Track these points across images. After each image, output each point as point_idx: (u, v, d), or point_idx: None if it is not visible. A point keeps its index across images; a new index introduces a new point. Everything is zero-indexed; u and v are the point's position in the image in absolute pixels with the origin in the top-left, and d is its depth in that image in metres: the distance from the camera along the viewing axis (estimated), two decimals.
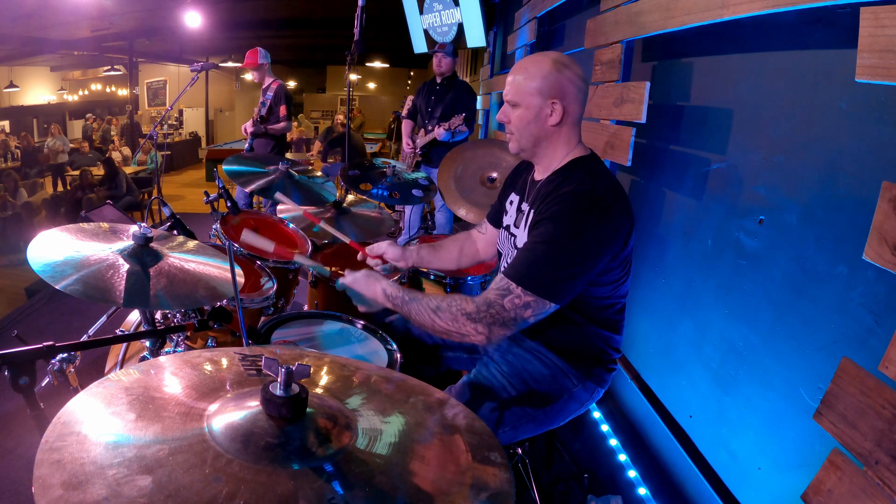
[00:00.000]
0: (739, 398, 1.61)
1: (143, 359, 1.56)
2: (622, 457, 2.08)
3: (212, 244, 1.80)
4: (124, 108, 12.88)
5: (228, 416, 0.74)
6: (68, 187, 8.68)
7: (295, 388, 0.74)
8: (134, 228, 1.27)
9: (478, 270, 2.31)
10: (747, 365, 1.59)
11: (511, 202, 1.49)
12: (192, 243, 1.45)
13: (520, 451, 1.65)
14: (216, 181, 2.28)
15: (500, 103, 2.71)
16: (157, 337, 1.39)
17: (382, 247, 1.62)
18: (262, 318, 1.85)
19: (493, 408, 1.38)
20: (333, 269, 1.52)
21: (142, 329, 1.80)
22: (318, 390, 0.88)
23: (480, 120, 5.70)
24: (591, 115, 2.35)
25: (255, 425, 0.72)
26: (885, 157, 1.17)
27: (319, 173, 2.55)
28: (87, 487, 0.59)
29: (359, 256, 1.65)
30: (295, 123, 10.48)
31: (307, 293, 2.21)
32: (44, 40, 8.98)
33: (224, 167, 2.34)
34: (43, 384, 1.80)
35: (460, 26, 4.96)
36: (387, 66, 15.69)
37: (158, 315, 1.63)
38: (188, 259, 1.32)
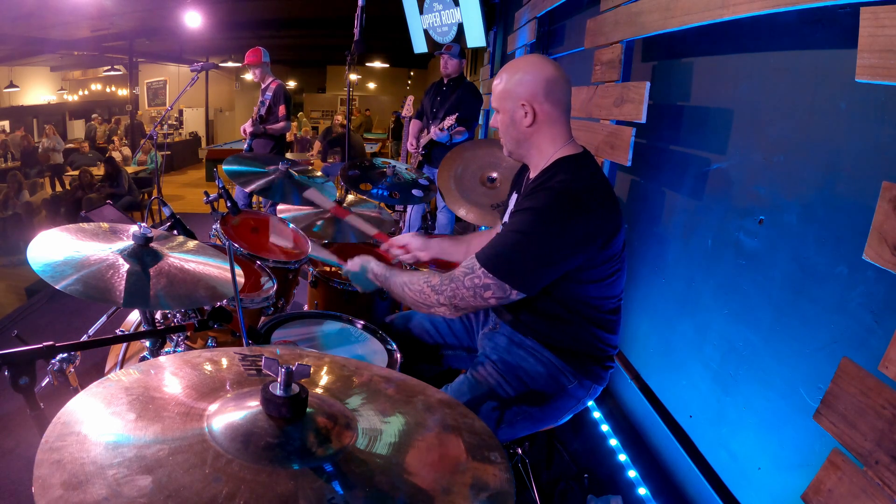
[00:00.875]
0: (739, 398, 1.61)
1: (143, 359, 1.56)
2: (622, 457, 2.08)
3: (212, 244, 1.80)
4: (124, 108, 12.87)
5: (228, 416, 0.74)
6: (67, 187, 8.68)
7: (295, 388, 0.74)
8: (134, 228, 1.26)
9: None
10: (747, 365, 1.59)
11: (512, 200, 1.52)
12: (192, 243, 1.45)
13: (520, 450, 1.65)
14: (216, 181, 2.27)
15: None
16: (157, 337, 1.39)
17: (407, 237, 1.68)
18: (262, 318, 1.85)
19: (491, 406, 1.38)
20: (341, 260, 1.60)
21: (142, 329, 1.80)
22: (318, 390, 0.88)
23: (481, 120, 5.70)
24: (591, 115, 2.34)
25: (255, 425, 0.72)
26: (885, 157, 1.17)
27: (319, 173, 2.55)
28: (87, 487, 0.59)
29: (383, 246, 1.71)
30: (295, 124, 10.50)
31: (307, 293, 2.21)
32: (44, 40, 8.98)
33: (224, 167, 2.34)
34: (43, 384, 1.80)
35: (460, 26, 4.95)
36: (387, 66, 15.71)
37: (158, 315, 1.63)
38: (188, 259, 1.32)
